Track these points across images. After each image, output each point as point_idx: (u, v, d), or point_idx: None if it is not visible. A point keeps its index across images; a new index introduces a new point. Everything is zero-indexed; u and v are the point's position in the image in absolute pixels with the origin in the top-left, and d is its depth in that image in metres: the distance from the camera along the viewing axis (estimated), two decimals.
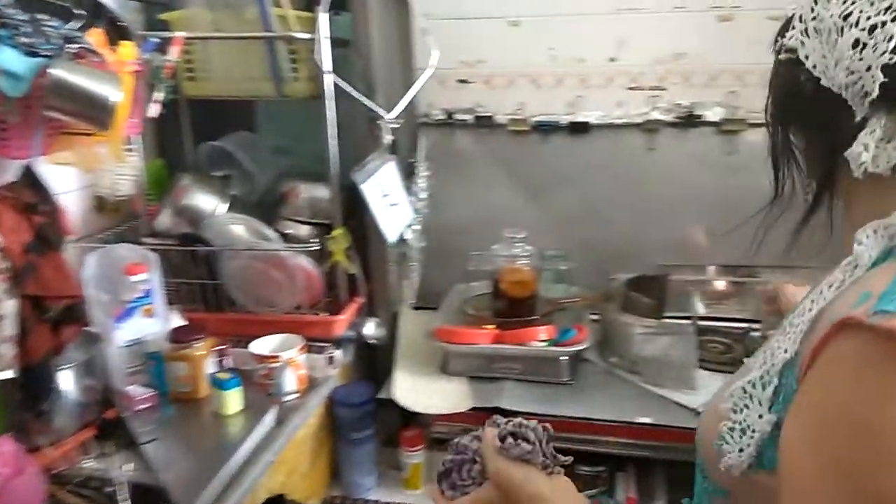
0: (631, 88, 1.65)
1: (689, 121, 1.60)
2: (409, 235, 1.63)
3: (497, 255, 1.45)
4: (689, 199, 1.63)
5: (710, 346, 1.45)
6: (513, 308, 1.41)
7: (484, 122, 1.70)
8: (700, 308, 1.61)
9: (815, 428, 0.48)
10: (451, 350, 1.34)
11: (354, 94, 1.30)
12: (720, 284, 1.61)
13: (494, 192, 1.72)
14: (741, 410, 0.58)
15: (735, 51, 1.57)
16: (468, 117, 1.71)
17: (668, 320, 1.34)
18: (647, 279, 1.52)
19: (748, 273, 1.61)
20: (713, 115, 1.60)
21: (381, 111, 1.34)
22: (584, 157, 1.67)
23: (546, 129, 1.67)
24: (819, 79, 0.57)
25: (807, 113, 0.60)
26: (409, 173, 1.68)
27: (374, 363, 1.48)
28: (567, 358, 1.30)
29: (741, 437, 0.57)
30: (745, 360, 0.66)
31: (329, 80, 1.27)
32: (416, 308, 1.66)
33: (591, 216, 1.68)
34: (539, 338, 1.29)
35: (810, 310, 0.54)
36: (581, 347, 1.30)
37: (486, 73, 1.70)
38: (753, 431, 0.56)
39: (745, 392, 0.58)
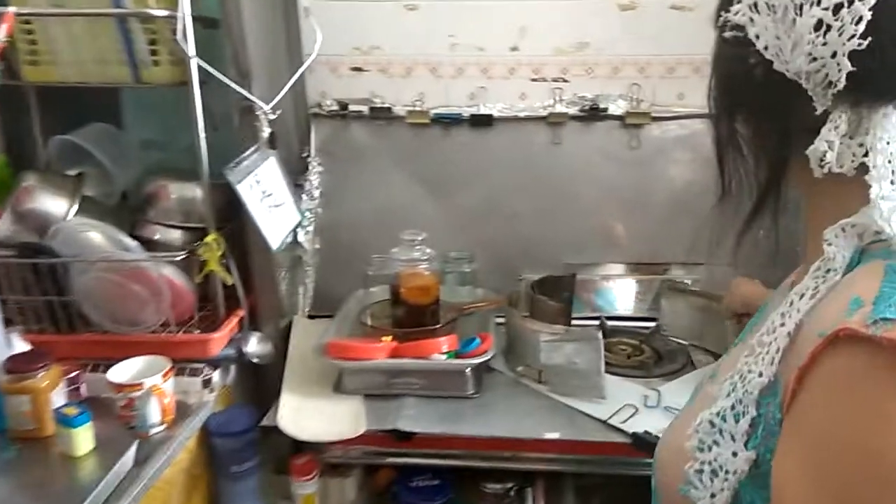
0: (534, 80, 1.58)
1: (593, 114, 1.54)
2: (301, 238, 1.50)
3: (396, 259, 1.33)
4: (595, 194, 1.57)
5: (618, 348, 1.40)
6: (414, 316, 1.30)
7: (381, 114, 1.57)
8: (612, 305, 1.56)
9: (814, 458, 0.41)
10: (345, 367, 1.21)
11: (225, 80, 1.14)
12: (627, 282, 1.57)
13: (394, 189, 1.60)
14: (710, 448, 0.49)
15: (637, 42, 1.52)
16: (363, 108, 1.58)
17: (574, 326, 1.26)
18: (553, 280, 1.45)
19: (654, 270, 1.57)
20: (616, 108, 1.54)
21: (257, 101, 1.19)
22: (488, 152, 1.58)
23: (447, 121, 1.57)
24: (772, 62, 0.49)
25: (756, 99, 0.52)
26: (301, 169, 1.54)
27: (260, 384, 1.34)
28: (471, 370, 1.20)
29: (713, 481, 0.48)
30: (704, 386, 0.58)
31: (194, 65, 1.11)
32: (313, 317, 1.52)
33: (496, 214, 1.59)
34: (441, 349, 1.18)
35: (783, 324, 0.46)
36: (485, 359, 1.20)
37: (381, 60, 1.58)
38: (727, 472, 0.48)
39: (712, 426, 0.49)
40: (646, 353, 1.37)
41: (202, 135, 1.15)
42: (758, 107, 0.53)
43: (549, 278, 1.44)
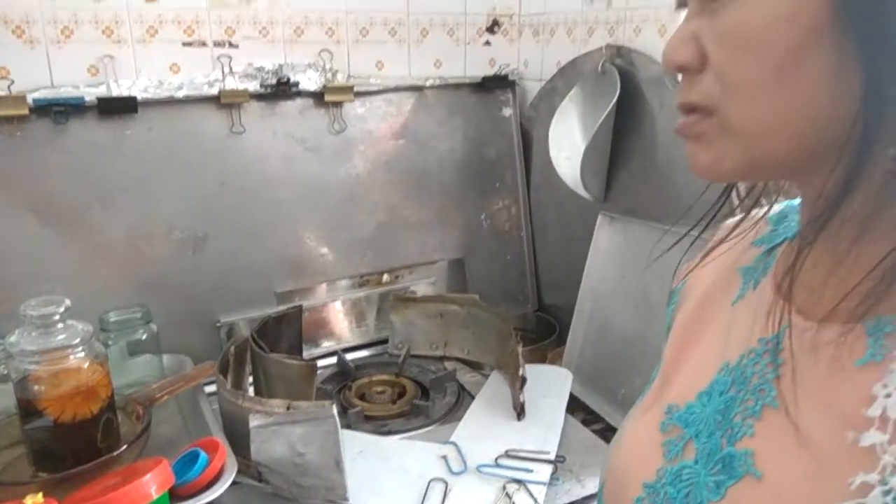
0: (187, 44, 1.11)
1: (280, 90, 1.16)
2: None
3: (21, 353, 0.77)
4: (295, 196, 1.21)
5: (374, 392, 1.09)
6: (74, 444, 0.78)
7: None
8: (343, 335, 1.24)
9: None
10: None
11: None
12: (356, 301, 1.26)
13: None
14: None
15: None
16: None
17: (300, 403, 0.85)
18: (275, 321, 1.06)
19: (382, 281, 1.30)
20: (308, 81, 1.19)
21: None
22: (135, 153, 1.07)
23: (60, 109, 1.00)
24: None
25: None
26: None
27: None
28: None
29: None
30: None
31: None
32: None
33: (162, 241, 1.11)
34: (149, 495, 0.70)
35: None
36: (224, 486, 0.76)
37: None
38: None
39: None
40: (410, 391, 1.09)
41: None
42: None
43: (269, 321, 1.05)
